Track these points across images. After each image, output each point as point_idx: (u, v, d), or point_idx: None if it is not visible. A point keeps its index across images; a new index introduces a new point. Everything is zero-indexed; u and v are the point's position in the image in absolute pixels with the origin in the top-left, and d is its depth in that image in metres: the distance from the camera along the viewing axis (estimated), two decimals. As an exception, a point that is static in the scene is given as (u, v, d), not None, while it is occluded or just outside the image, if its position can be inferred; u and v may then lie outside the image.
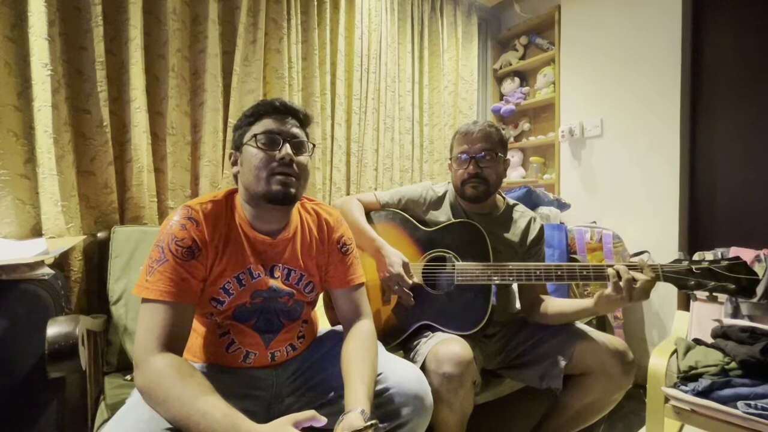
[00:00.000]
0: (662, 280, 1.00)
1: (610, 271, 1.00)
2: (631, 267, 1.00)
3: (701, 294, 1.49)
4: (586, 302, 1.10)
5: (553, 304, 1.19)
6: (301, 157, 0.86)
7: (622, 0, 2.06)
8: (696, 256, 1.08)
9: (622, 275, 0.98)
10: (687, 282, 0.99)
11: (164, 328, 0.72)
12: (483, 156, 1.18)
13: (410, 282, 1.13)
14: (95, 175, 1.39)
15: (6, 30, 1.22)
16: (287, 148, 0.82)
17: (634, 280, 0.97)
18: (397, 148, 2.22)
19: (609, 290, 1.00)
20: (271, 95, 1.77)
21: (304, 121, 0.90)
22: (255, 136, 0.83)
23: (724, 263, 0.98)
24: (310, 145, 0.89)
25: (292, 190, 0.83)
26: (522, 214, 1.30)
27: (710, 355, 1.19)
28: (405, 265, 1.14)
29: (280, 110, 0.86)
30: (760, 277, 1.29)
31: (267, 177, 0.81)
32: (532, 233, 1.26)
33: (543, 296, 1.23)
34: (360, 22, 2.05)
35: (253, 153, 0.82)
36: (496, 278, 1.10)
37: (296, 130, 0.86)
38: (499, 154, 1.21)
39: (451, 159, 1.27)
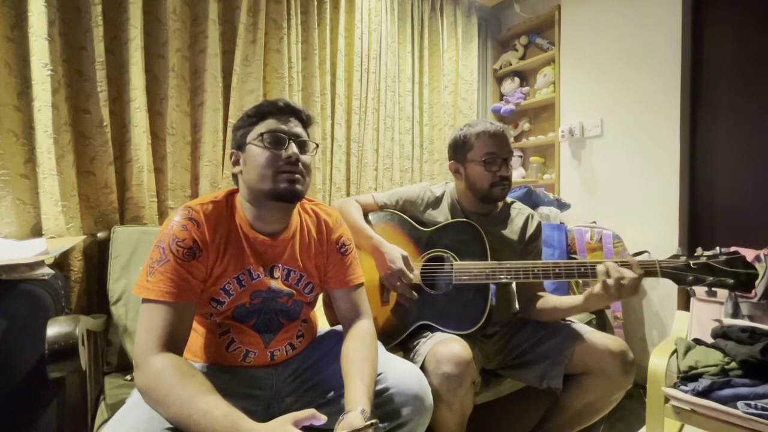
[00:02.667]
0: (660, 276, 1.00)
1: (599, 268, 1.01)
2: (622, 264, 1.00)
3: (701, 291, 1.49)
4: (578, 299, 1.11)
5: (548, 301, 1.20)
6: (306, 156, 0.86)
7: (623, 0, 2.06)
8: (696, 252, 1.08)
9: (611, 273, 0.99)
10: (685, 277, 0.99)
11: (164, 328, 0.72)
12: (509, 158, 1.20)
13: (412, 277, 1.13)
14: (95, 175, 1.39)
15: (6, 30, 1.22)
16: (293, 147, 0.83)
17: (622, 277, 0.98)
18: (397, 148, 2.21)
19: (598, 287, 1.01)
20: (271, 95, 1.77)
21: (306, 121, 0.90)
22: (261, 135, 0.83)
23: (723, 258, 0.98)
24: (313, 145, 0.90)
25: (299, 187, 0.83)
26: (520, 212, 1.31)
27: (710, 355, 1.19)
28: (405, 259, 1.14)
29: (284, 110, 0.86)
30: (760, 277, 1.29)
31: (273, 175, 0.82)
32: (530, 230, 1.27)
33: (539, 293, 1.23)
34: (360, 22, 2.05)
35: (258, 152, 0.82)
36: (493, 277, 1.10)
37: (299, 130, 0.87)
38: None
39: (468, 160, 1.22)
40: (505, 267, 1.11)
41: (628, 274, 0.97)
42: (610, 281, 0.98)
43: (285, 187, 0.82)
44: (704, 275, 0.98)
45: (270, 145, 0.82)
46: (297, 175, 0.83)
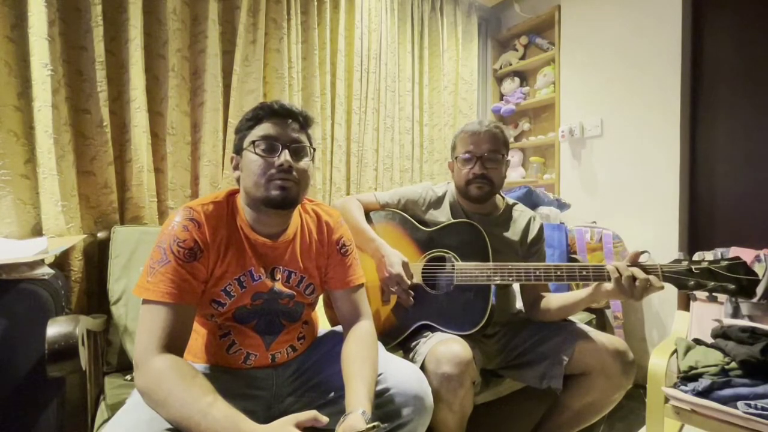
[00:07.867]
0: (662, 280, 1.00)
1: (609, 268, 1.01)
2: (635, 266, 0.99)
3: (701, 294, 1.49)
4: (583, 293, 1.11)
5: (554, 300, 1.19)
6: (301, 163, 0.85)
7: (623, 0, 2.06)
8: (696, 257, 1.08)
9: (622, 272, 0.98)
10: (687, 282, 0.99)
11: (165, 329, 0.72)
12: (489, 157, 1.19)
13: (409, 282, 1.13)
14: (95, 175, 1.39)
15: (6, 30, 1.22)
16: (286, 155, 0.82)
17: (633, 278, 0.97)
18: (397, 148, 2.21)
19: (611, 286, 1.00)
20: (271, 95, 1.77)
21: (304, 123, 0.88)
22: (254, 142, 0.82)
23: (724, 263, 0.98)
24: (311, 150, 0.89)
25: (291, 194, 0.83)
26: (522, 213, 1.30)
27: (710, 355, 1.19)
28: (404, 265, 1.14)
29: (280, 113, 0.85)
30: (760, 277, 1.29)
31: (265, 183, 0.81)
32: (532, 232, 1.27)
33: (544, 293, 1.23)
34: (360, 22, 2.04)
35: (252, 159, 0.82)
36: (495, 278, 1.10)
37: (296, 135, 0.86)
38: (504, 155, 1.22)
39: (454, 158, 1.26)
40: (506, 268, 1.10)
41: (641, 275, 0.97)
42: (623, 281, 0.97)
43: (276, 195, 0.81)
44: (706, 280, 0.98)
45: (263, 152, 0.82)
46: (290, 182, 0.82)
